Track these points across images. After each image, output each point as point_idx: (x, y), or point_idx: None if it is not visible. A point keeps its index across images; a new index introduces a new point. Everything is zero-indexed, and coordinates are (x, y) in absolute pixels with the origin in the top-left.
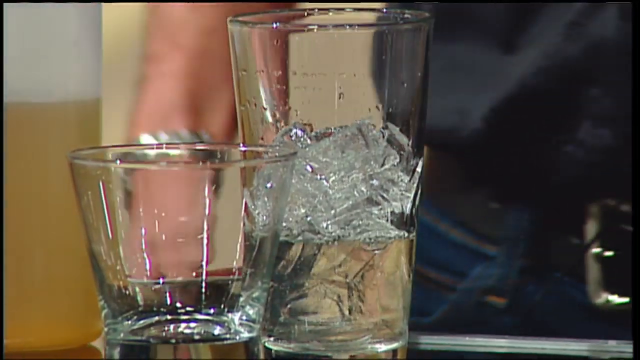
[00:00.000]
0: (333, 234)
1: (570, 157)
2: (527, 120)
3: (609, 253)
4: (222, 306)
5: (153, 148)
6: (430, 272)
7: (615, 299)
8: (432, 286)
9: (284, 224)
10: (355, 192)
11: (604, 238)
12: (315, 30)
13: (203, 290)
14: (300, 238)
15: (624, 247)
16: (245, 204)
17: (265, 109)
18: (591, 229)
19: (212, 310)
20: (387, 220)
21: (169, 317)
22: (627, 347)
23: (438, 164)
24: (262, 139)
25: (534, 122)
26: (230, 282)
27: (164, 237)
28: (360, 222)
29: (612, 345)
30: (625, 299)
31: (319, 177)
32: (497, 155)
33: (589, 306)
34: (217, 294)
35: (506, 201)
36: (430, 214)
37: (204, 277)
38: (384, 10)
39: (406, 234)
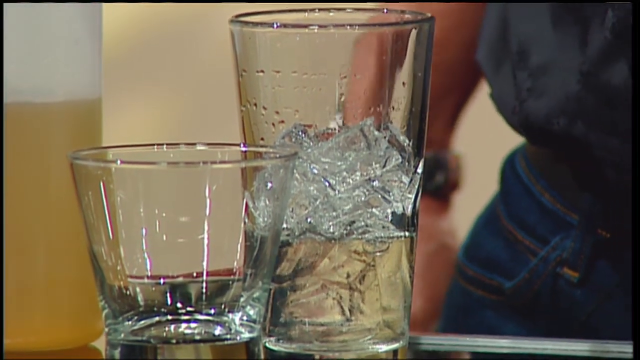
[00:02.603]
0: (335, 234)
1: None
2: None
3: None
4: (223, 306)
5: (154, 148)
6: (518, 234)
7: None
8: (519, 248)
9: (285, 225)
10: (357, 193)
11: None
12: (316, 30)
13: (204, 290)
14: (301, 238)
15: None
16: (246, 204)
17: (265, 109)
18: None
19: (212, 311)
20: (389, 221)
21: (169, 317)
22: (627, 347)
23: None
24: (262, 139)
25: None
26: (230, 282)
27: (164, 237)
28: (362, 223)
29: (612, 345)
30: None
31: (320, 178)
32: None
33: None
34: (218, 294)
35: (589, 179)
36: (531, 174)
37: (204, 277)
38: (385, 10)
39: (407, 235)
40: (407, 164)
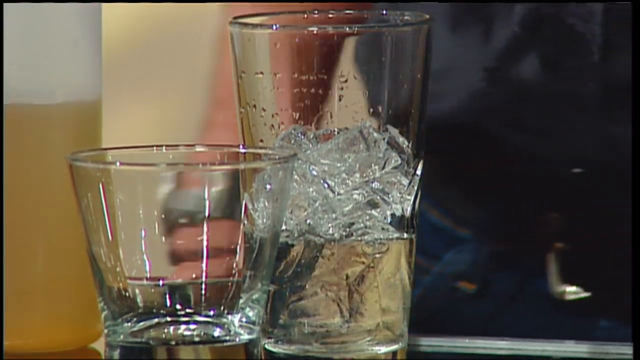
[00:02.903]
0: (334, 236)
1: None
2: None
3: (568, 247)
4: (222, 308)
5: (153, 150)
6: None
7: (574, 291)
8: None
9: (284, 226)
10: (356, 195)
11: (565, 232)
12: (315, 31)
13: (203, 292)
14: (301, 240)
15: (585, 242)
16: (245, 205)
17: (265, 110)
18: (554, 223)
19: (211, 312)
20: (388, 223)
21: (168, 319)
22: (627, 349)
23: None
24: (262, 141)
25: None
26: (230, 284)
27: (163, 239)
28: (361, 225)
29: (612, 347)
30: (584, 294)
31: (319, 179)
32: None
33: (552, 297)
34: (217, 296)
35: (482, 190)
36: None
37: (203, 278)
38: (384, 11)
39: (406, 236)
40: (406, 165)
